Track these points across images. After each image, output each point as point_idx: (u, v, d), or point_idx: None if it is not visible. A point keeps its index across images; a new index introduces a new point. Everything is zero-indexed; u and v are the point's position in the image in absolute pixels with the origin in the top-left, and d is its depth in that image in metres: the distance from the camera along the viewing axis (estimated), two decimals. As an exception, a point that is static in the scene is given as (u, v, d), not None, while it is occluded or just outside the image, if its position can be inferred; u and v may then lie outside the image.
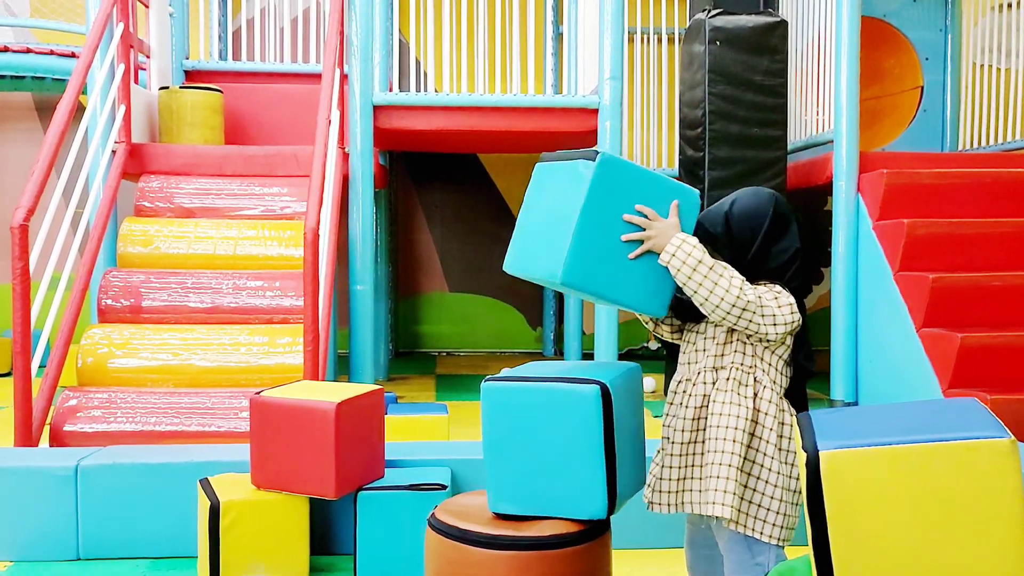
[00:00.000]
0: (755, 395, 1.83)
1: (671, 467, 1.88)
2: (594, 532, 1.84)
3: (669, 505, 1.89)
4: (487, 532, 1.80)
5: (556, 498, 1.81)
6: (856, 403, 4.72)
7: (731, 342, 1.86)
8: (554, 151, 1.90)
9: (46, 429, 3.64)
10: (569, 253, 1.72)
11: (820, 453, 1.31)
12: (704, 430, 1.86)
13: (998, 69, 5.63)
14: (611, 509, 1.80)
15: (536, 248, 1.81)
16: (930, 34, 6.30)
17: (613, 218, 1.75)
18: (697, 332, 1.94)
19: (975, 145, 5.80)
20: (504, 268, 1.91)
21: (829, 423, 1.40)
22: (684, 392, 1.90)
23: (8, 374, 6.38)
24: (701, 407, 1.86)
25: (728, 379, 1.84)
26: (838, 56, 4.82)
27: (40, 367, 3.67)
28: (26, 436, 3.42)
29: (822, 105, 5.21)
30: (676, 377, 1.95)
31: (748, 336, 1.83)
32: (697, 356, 1.91)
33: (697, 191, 1.89)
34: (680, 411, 1.89)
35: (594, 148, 1.80)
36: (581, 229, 1.72)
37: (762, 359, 1.85)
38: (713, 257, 1.87)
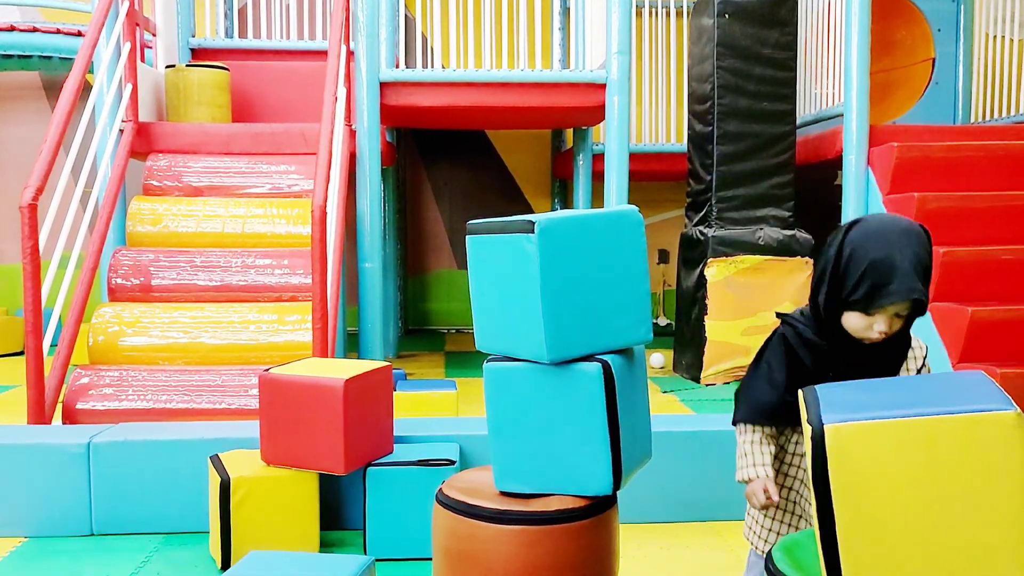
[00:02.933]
0: None
1: None
2: (601, 506, 1.85)
3: None
4: (495, 507, 1.81)
5: (562, 475, 1.82)
6: (865, 378, 4.71)
7: None
8: (479, 221, 1.85)
9: (59, 407, 3.67)
10: (546, 334, 1.72)
11: (825, 427, 1.31)
12: None
13: (1011, 40, 5.56)
14: (616, 485, 1.80)
15: (510, 331, 1.80)
16: (942, 5, 6.22)
17: (572, 276, 1.75)
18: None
19: (987, 117, 5.74)
20: (478, 348, 1.90)
21: (835, 397, 1.40)
22: None
23: (20, 353, 6.43)
24: None
25: None
26: (848, 28, 4.77)
27: (52, 345, 3.69)
28: (39, 414, 3.45)
29: (832, 78, 5.17)
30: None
31: None
32: None
33: (636, 208, 1.90)
34: None
35: (524, 217, 1.75)
36: (548, 305, 1.72)
37: None
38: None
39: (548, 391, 1.79)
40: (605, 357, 1.78)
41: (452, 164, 7.58)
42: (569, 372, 1.77)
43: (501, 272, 1.80)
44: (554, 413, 1.79)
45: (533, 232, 1.71)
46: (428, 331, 7.57)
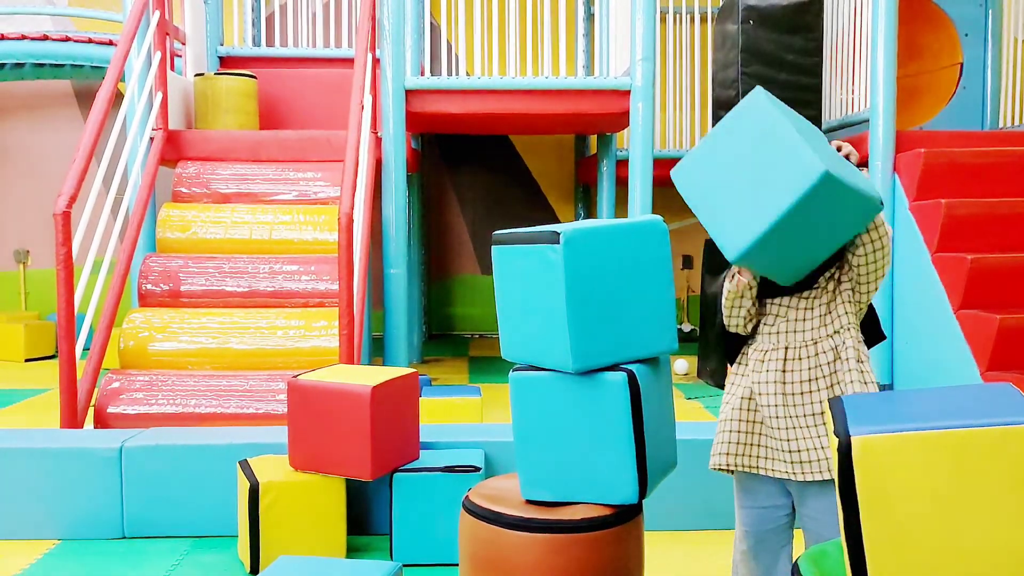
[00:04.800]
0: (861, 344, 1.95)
1: (821, 436, 1.91)
2: (626, 515, 1.86)
3: (822, 472, 1.91)
4: (521, 515, 1.82)
5: (587, 484, 1.83)
6: (891, 385, 4.68)
7: (835, 304, 1.93)
8: (504, 231, 1.87)
9: (91, 411, 3.73)
10: (572, 344, 1.74)
11: (852, 438, 1.31)
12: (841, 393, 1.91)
13: (1040, 44, 5.50)
14: (642, 493, 1.81)
15: (535, 340, 1.82)
16: (970, 9, 6.17)
17: (597, 286, 1.77)
18: (789, 306, 1.98)
19: (1016, 123, 5.68)
20: (504, 357, 1.92)
21: (861, 408, 1.40)
22: (797, 359, 1.94)
23: (52, 356, 6.53)
24: (831, 374, 1.91)
25: (852, 338, 1.91)
26: (875, 33, 4.74)
27: (84, 350, 3.75)
28: (71, 418, 3.52)
29: (858, 83, 5.14)
30: (773, 346, 1.97)
31: (849, 293, 1.93)
32: (802, 325, 1.94)
33: (661, 218, 1.91)
34: (809, 383, 1.93)
35: (550, 228, 1.77)
36: (573, 315, 1.73)
37: (855, 313, 1.95)
38: None
39: (574, 400, 1.80)
40: (630, 366, 1.79)
41: (476, 170, 7.61)
42: (594, 381, 1.78)
43: (527, 282, 1.81)
44: (580, 422, 1.81)
45: (558, 243, 1.72)
46: (451, 336, 7.60)
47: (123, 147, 4.58)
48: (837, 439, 1.34)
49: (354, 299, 3.86)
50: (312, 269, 4.26)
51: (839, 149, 1.94)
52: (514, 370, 1.88)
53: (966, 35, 6.19)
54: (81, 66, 6.64)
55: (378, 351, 5.17)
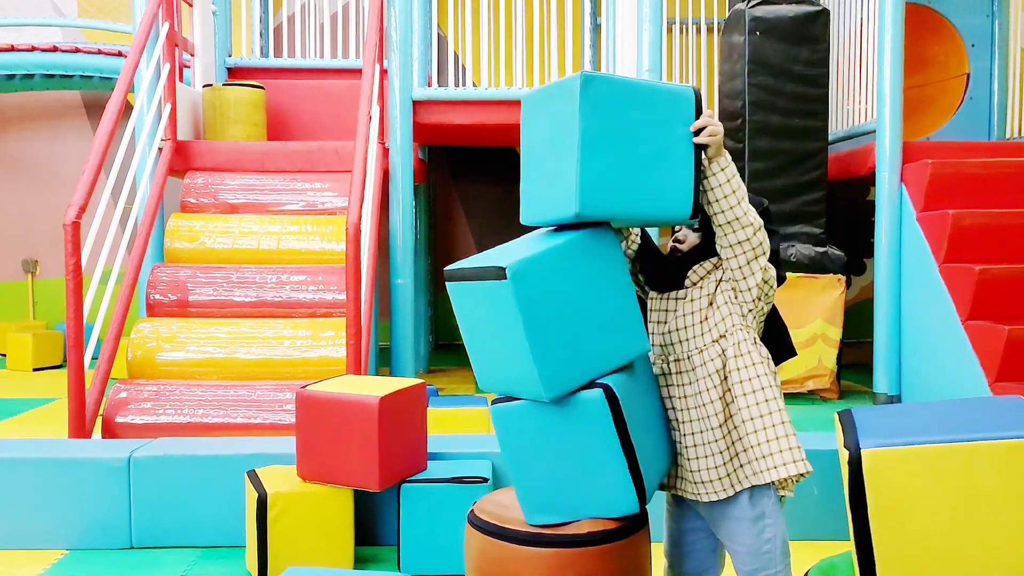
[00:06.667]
0: (758, 344, 1.85)
1: (718, 452, 1.82)
2: (632, 526, 1.85)
3: (725, 489, 1.83)
4: (527, 530, 1.81)
5: (588, 501, 1.81)
6: (899, 396, 4.67)
7: (716, 306, 1.85)
8: (454, 266, 1.83)
9: (99, 420, 3.74)
10: (540, 375, 1.69)
11: (862, 451, 1.32)
12: (732, 403, 1.81)
13: (1047, 55, 5.50)
14: (643, 500, 1.79)
15: (506, 372, 1.80)
16: (977, 20, 6.18)
17: (554, 310, 1.72)
18: (662, 309, 1.92)
19: (1023, 133, 5.68)
20: (481, 388, 1.91)
21: (871, 421, 1.41)
22: (689, 370, 1.86)
23: (60, 366, 6.55)
24: (721, 382, 1.82)
25: (741, 342, 1.82)
26: (881, 43, 4.75)
27: (92, 359, 3.76)
28: (80, 427, 3.53)
29: (864, 94, 5.14)
30: (663, 358, 1.91)
31: (734, 290, 1.84)
32: (685, 333, 1.87)
33: (609, 223, 1.84)
34: (699, 395, 1.84)
35: (496, 259, 1.75)
36: (536, 348, 1.70)
37: (743, 315, 1.84)
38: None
39: (557, 424, 1.77)
40: (606, 379, 1.75)
41: (483, 180, 7.62)
42: (573, 403, 1.75)
43: (485, 317, 1.78)
44: (568, 443, 1.78)
45: (506, 278, 1.66)
46: (458, 346, 7.57)
47: (132, 158, 4.60)
48: (847, 451, 1.34)
49: (361, 309, 3.87)
50: (319, 279, 4.28)
51: (699, 131, 1.78)
52: (494, 402, 1.85)
53: (973, 46, 6.20)
54: (90, 77, 6.68)
55: (385, 361, 5.17)
